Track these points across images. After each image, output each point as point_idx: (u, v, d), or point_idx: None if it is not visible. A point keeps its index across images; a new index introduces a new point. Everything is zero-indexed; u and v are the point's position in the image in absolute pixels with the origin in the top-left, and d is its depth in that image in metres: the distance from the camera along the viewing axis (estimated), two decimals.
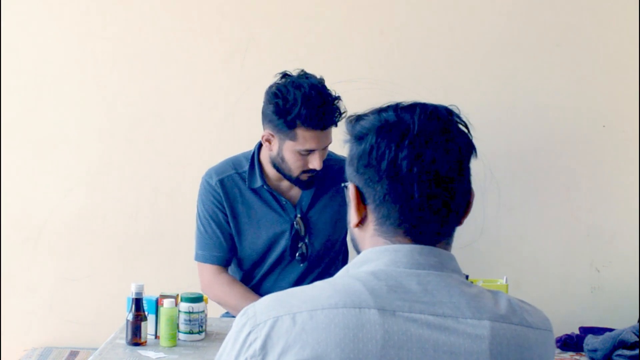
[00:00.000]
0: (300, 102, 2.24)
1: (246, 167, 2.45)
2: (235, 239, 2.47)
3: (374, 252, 1.11)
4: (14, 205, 3.08)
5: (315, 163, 2.32)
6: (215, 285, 2.47)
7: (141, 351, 2.14)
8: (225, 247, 2.46)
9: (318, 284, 1.10)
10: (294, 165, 2.35)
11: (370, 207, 1.13)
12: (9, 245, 3.09)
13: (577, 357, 2.71)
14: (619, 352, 2.53)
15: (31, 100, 3.07)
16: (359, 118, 1.16)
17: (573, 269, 3.09)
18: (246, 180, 2.44)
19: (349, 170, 1.15)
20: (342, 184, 1.27)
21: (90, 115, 3.06)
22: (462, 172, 1.13)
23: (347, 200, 1.17)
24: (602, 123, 3.06)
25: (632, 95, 3.04)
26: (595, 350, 2.57)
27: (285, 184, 2.45)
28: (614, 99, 3.06)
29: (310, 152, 2.31)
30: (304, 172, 2.35)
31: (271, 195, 2.44)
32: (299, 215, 2.44)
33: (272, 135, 2.34)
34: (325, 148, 2.35)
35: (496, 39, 3.03)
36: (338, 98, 2.32)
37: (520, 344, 1.06)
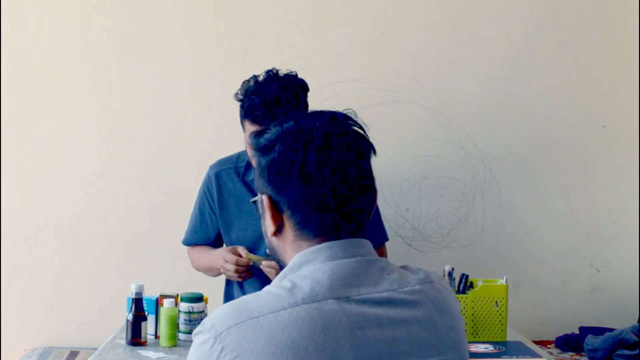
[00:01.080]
0: (249, 93, 2.29)
1: (246, 161, 2.47)
2: (223, 230, 2.52)
3: (309, 253, 1.16)
4: (14, 205, 3.08)
5: None
6: (189, 253, 2.65)
7: (141, 351, 2.14)
8: (199, 235, 2.58)
9: (269, 289, 1.13)
10: (250, 158, 2.38)
11: (286, 214, 1.17)
12: (9, 245, 3.09)
13: (577, 357, 2.71)
14: (619, 352, 2.54)
15: (31, 100, 3.07)
16: (262, 132, 1.20)
17: (573, 269, 3.09)
18: (240, 174, 2.48)
19: (260, 183, 1.19)
20: (251, 200, 1.32)
21: (90, 115, 3.06)
22: (366, 171, 1.19)
23: (260, 212, 1.23)
24: (602, 123, 3.06)
25: (632, 95, 3.04)
26: (595, 350, 2.57)
27: None
28: (614, 99, 3.06)
29: None
30: None
31: None
32: None
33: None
34: None
35: (496, 39, 3.04)
36: (297, 107, 2.29)
37: (441, 296, 1.20)
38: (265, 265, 2.32)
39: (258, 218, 2.41)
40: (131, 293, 2.19)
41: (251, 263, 2.34)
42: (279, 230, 1.19)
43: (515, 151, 3.06)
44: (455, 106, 3.00)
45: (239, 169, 2.50)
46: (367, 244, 1.20)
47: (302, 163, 1.15)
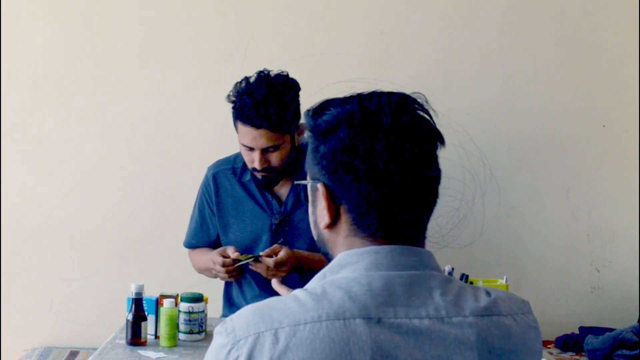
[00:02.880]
0: (240, 94, 2.29)
1: (243, 162, 2.47)
2: (221, 231, 2.51)
3: (352, 255, 1.05)
4: (14, 205, 3.08)
5: (254, 162, 2.33)
6: (190, 255, 2.66)
7: (141, 351, 2.14)
8: (199, 237, 2.58)
9: (298, 294, 1.03)
10: (244, 158, 2.39)
11: (344, 207, 1.06)
12: (9, 245, 3.09)
13: (577, 357, 2.71)
14: (619, 352, 2.53)
15: (31, 100, 3.07)
16: (319, 111, 1.08)
17: (573, 269, 3.09)
18: (237, 174, 2.48)
19: (314, 169, 1.08)
20: (297, 182, 1.22)
21: (90, 115, 3.06)
22: (434, 163, 1.08)
23: (311, 199, 1.12)
24: (602, 123, 3.06)
25: (632, 95, 3.04)
26: (595, 350, 2.57)
27: None
28: (614, 99, 3.06)
29: (251, 149, 2.32)
30: (254, 169, 2.36)
31: (259, 190, 2.46)
32: (280, 212, 2.44)
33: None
34: (271, 151, 2.32)
35: (496, 39, 3.04)
36: (289, 107, 2.29)
37: (503, 334, 1.03)
38: (253, 268, 2.33)
39: (253, 219, 2.39)
40: (131, 293, 2.18)
41: (237, 264, 2.34)
42: (333, 222, 1.07)
43: (515, 151, 3.06)
44: (455, 106, 3.00)
45: (236, 169, 2.50)
46: (423, 254, 1.07)
47: (369, 152, 1.02)
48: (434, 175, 1.08)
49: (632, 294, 3.04)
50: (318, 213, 1.10)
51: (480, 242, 3.03)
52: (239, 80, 2.34)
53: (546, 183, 3.07)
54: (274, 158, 2.33)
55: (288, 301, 1.02)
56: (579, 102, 3.06)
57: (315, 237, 1.14)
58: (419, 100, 1.08)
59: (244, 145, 2.33)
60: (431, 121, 1.08)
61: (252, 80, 2.31)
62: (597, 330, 2.78)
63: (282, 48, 3.01)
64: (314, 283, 1.06)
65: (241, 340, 0.99)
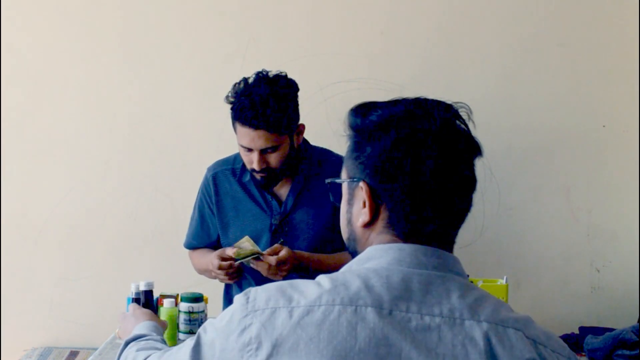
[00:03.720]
0: (238, 95, 2.29)
1: (242, 162, 2.47)
2: (220, 231, 2.51)
3: (378, 250, 1.08)
4: (14, 205, 3.08)
5: (253, 162, 2.33)
6: (190, 256, 2.65)
7: None
8: (200, 237, 2.58)
9: (321, 279, 1.07)
10: (243, 159, 2.39)
11: (384, 207, 1.08)
12: (9, 245, 3.09)
13: (577, 357, 2.71)
14: (619, 352, 2.53)
15: (31, 100, 3.07)
16: (367, 111, 1.10)
17: (573, 269, 3.09)
18: (237, 175, 2.48)
19: (355, 168, 1.10)
20: (329, 180, 1.22)
21: (90, 115, 3.06)
22: (472, 172, 1.11)
23: (346, 197, 1.14)
24: (602, 123, 3.06)
25: (632, 95, 3.04)
26: (595, 350, 2.57)
27: None
28: (614, 99, 3.06)
29: (250, 150, 2.32)
30: (253, 170, 2.36)
31: (258, 190, 2.46)
32: (280, 213, 2.44)
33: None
34: (269, 152, 2.31)
35: (497, 39, 3.03)
36: (287, 107, 2.28)
37: (514, 350, 1.02)
38: (254, 266, 2.32)
39: (252, 220, 2.38)
40: (131, 293, 2.18)
41: (236, 264, 2.33)
42: (372, 221, 1.10)
43: (515, 151, 3.06)
44: None
45: (236, 170, 2.49)
46: (448, 257, 1.09)
47: (416, 156, 1.05)
48: (472, 183, 1.11)
49: (632, 294, 3.04)
50: (354, 211, 1.12)
51: (480, 242, 3.03)
52: (238, 81, 2.33)
53: (546, 183, 3.07)
54: (273, 159, 2.33)
55: (310, 284, 1.07)
56: (579, 102, 3.05)
57: (345, 235, 1.17)
58: (461, 110, 1.11)
59: (243, 146, 2.33)
60: (469, 129, 1.12)
61: (250, 81, 2.31)
62: (597, 330, 2.78)
63: (282, 48, 3.01)
64: (340, 271, 1.10)
65: (258, 311, 1.05)
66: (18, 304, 3.10)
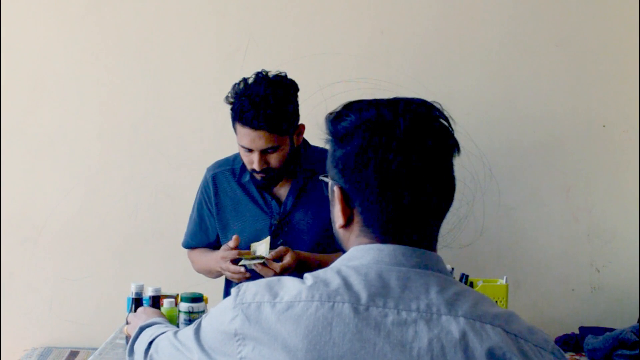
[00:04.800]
0: (238, 95, 2.29)
1: (242, 162, 2.47)
2: (220, 232, 2.51)
3: (360, 250, 1.12)
4: (14, 205, 3.09)
5: (254, 163, 2.32)
6: (189, 256, 2.64)
7: None
8: (198, 237, 2.57)
9: (307, 276, 1.12)
10: (243, 160, 2.38)
11: (357, 210, 1.12)
12: (9, 245, 3.09)
13: (577, 357, 2.71)
14: (619, 352, 2.53)
15: (31, 100, 3.07)
16: (339, 117, 1.13)
17: (573, 269, 3.09)
18: (236, 175, 2.48)
19: (333, 172, 1.13)
20: (321, 177, 1.24)
21: (90, 115, 3.06)
22: (447, 170, 1.11)
23: (330, 198, 1.17)
24: (602, 123, 3.06)
25: (632, 95, 3.04)
26: (595, 350, 2.57)
27: None
28: (614, 99, 3.06)
29: (250, 150, 2.32)
30: (253, 170, 2.36)
31: (258, 191, 2.46)
32: (280, 213, 2.44)
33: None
34: (270, 152, 2.31)
35: (496, 39, 3.03)
36: (287, 107, 2.28)
37: (498, 346, 1.02)
38: (256, 269, 2.30)
39: (252, 220, 2.38)
40: (131, 293, 2.18)
41: (241, 263, 2.30)
42: (347, 224, 1.14)
43: (515, 151, 3.06)
44: (455, 106, 2.99)
45: (235, 170, 2.49)
46: (429, 256, 1.10)
47: (381, 161, 1.07)
48: (446, 183, 1.11)
49: (632, 294, 3.04)
50: (335, 213, 1.16)
51: (480, 242, 3.03)
52: (237, 81, 2.33)
53: (546, 183, 3.07)
54: (273, 159, 2.33)
55: (296, 282, 1.12)
56: (579, 102, 3.05)
57: (334, 233, 1.20)
58: (436, 108, 1.11)
59: (243, 147, 2.33)
60: (449, 128, 1.11)
61: (250, 81, 2.30)
62: (597, 330, 2.78)
63: (282, 48, 3.01)
64: (323, 269, 1.14)
65: (245, 304, 1.11)
66: (18, 304, 3.10)
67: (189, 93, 3.05)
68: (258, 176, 2.38)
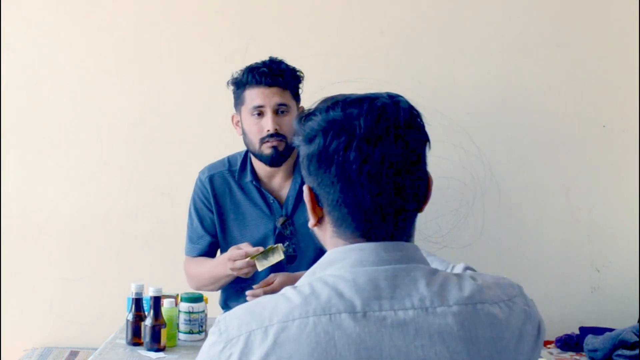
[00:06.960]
0: (247, 68, 2.38)
1: (239, 163, 2.46)
2: (220, 235, 2.48)
3: (339, 252, 1.09)
4: (14, 205, 3.08)
5: (267, 124, 2.32)
6: (185, 265, 2.57)
7: (141, 351, 2.14)
8: (203, 240, 2.51)
9: (288, 292, 1.07)
10: (251, 132, 2.36)
11: (325, 210, 1.11)
12: (9, 245, 3.09)
13: (577, 357, 2.71)
14: (619, 352, 2.53)
15: (31, 100, 3.07)
16: (307, 117, 1.12)
17: (573, 269, 3.09)
18: (236, 177, 2.46)
19: (303, 172, 1.14)
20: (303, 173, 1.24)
21: (90, 115, 3.06)
22: (415, 164, 1.11)
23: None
24: (602, 123, 3.06)
25: (632, 95, 3.04)
26: (595, 350, 2.57)
27: (275, 182, 2.45)
28: (614, 99, 3.06)
29: (261, 113, 2.33)
30: (262, 141, 2.34)
31: (259, 193, 2.44)
32: (282, 215, 2.43)
33: (236, 114, 2.43)
34: (281, 112, 2.34)
35: (496, 39, 3.03)
36: (292, 68, 2.39)
37: (489, 322, 1.05)
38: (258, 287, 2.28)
39: (254, 223, 2.36)
40: (131, 293, 2.18)
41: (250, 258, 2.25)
42: (319, 222, 1.13)
43: (515, 151, 3.06)
44: (455, 106, 3.00)
45: (234, 172, 2.47)
46: (409, 248, 1.10)
47: (342, 161, 1.07)
48: (415, 178, 1.11)
49: (632, 294, 3.04)
50: (308, 212, 1.15)
51: (480, 242, 3.03)
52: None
53: (546, 183, 3.07)
54: (285, 123, 2.32)
55: (278, 299, 1.06)
56: (579, 102, 3.05)
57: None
58: (402, 101, 1.10)
59: (255, 108, 2.33)
60: (418, 122, 1.11)
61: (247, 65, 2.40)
62: (597, 330, 2.78)
63: (282, 48, 2.99)
64: (304, 280, 1.10)
65: (234, 339, 1.03)
66: (18, 304, 3.10)
67: (189, 93, 3.05)
68: (270, 146, 2.35)
